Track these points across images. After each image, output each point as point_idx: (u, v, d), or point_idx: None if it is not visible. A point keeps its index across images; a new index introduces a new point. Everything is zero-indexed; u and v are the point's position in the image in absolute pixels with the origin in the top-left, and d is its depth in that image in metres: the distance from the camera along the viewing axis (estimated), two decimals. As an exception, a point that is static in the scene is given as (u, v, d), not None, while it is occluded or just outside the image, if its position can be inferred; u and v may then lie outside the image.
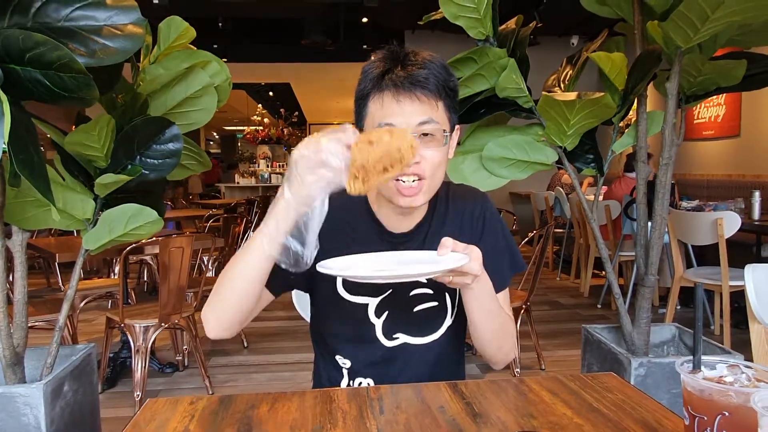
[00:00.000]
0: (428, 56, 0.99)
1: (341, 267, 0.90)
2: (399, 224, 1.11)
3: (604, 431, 0.83)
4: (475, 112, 1.84)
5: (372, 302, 1.10)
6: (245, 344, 3.80)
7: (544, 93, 1.69)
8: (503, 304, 1.18)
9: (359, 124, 1.02)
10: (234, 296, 0.98)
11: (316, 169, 0.80)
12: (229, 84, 1.85)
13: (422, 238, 1.11)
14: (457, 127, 1.06)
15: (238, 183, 11.93)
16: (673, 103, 1.64)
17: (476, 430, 0.83)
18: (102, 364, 3.13)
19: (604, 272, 5.71)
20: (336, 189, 0.82)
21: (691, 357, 0.65)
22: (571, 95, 1.57)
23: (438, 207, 1.14)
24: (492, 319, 1.06)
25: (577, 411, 0.91)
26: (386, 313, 1.11)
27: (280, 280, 1.03)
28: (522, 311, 3.15)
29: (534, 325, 3.34)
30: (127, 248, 2.83)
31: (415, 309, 1.12)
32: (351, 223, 1.11)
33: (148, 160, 1.67)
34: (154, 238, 2.89)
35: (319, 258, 1.08)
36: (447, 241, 0.91)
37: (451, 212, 1.14)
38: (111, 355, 3.29)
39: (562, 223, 6.09)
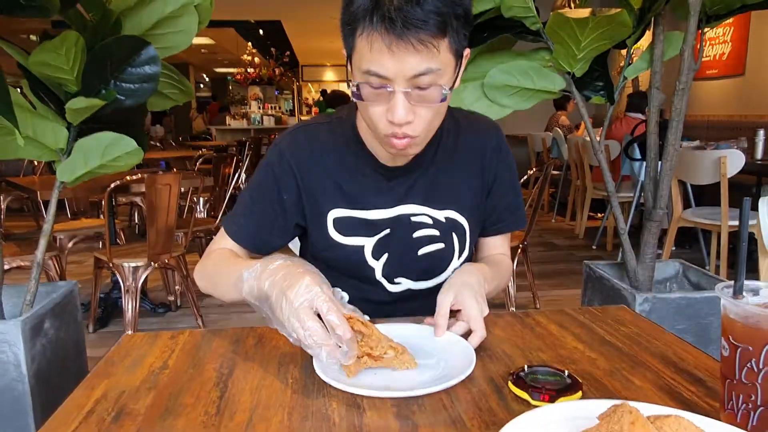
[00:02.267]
0: None
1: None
2: (394, 157, 0.98)
3: (620, 365, 0.77)
4: (477, 36, 1.70)
5: (368, 243, 1.00)
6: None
7: (553, 12, 1.55)
8: (505, 244, 1.13)
9: (346, 49, 0.84)
10: (227, 295, 0.93)
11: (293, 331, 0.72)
12: (211, 3, 1.69)
13: (420, 172, 1.00)
14: (466, 52, 0.86)
15: (229, 125, 11.66)
16: (695, 22, 1.50)
17: (481, 365, 0.77)
18: (92, 304, 3.08)
19: (599, 214, 5.67)
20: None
21: (731, 282, 0.57)
22: (584, 12, 1.44)
23: (444, 138, 1.01)
24: (495, 290, 1.03)
25: (588, 344, 0.84)
26: (386, 255, 1.01)
27: (266, 248, 1.02)
28: (519, 251, 3.10)
29: (531, 266, 3.30)
30: (112, 185, 2.72)
31: (420, 252, 1.02)
32: (339, 157, 0.99)
33: (123, 84, 1.54)
34: (140, 176, 2.78)
35: (309, 202, 0.99)
36: (440, 322, 0.82)
37: (461, 145, 1.03)
38: (102, 295, 3.24)
39: (558, 165, 6.00)
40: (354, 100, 0.87)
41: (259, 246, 1.01)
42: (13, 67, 1.57)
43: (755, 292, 0.57)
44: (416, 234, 1.01)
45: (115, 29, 1.57)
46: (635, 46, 1.67)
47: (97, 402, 0.69)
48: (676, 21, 1.65)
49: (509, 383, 0.69)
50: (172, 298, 3.43)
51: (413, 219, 1.00)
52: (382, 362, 0.74)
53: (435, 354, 0.79)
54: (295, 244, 1.24)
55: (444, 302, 0.83)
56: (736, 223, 3.41)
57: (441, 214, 1.01)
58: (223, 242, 1.02)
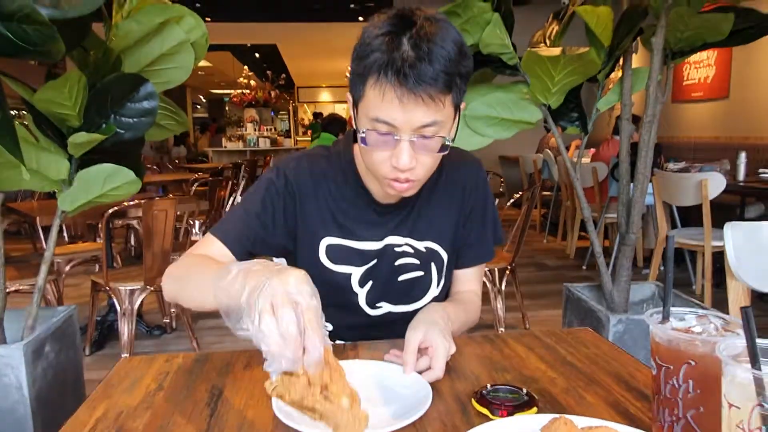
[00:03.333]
0: (442, 37, 0.83)
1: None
2: (385, 195, 1.04)
3: (577, 383, 0.84)
4: (459, 70, 1.80)
5: (356, 272, 1.07)
6: (233, 307, 3.81)
7: (528, 49, 1.66)
8: (476, 280, 1.17)
9: (355, 93, 0.90)
10: (191, 302, 0.90)
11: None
12: (206, 40, 1.79)
13: (410, 208, 1.07)
14: (462, 105, 0.93)
15: (225, 147, 11.79)
16: (659, 59, 1.61)
17: (450, 384, 0.84)
18: (89, 327, 3.13)
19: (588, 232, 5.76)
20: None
21: (660, 309, 0.65)
22: (556, 50, 1.53)
23: (431, 176, 1.08)
24: (460, 329, 1.08)
25: (551, 365, 0.91)
26: (370, 282, 1.08)
27: (246, 254, 1.00)
28: (507, 272, 3.18)
29: (519, 286, 3.37)
30: (110, 211, 2.79)
31: (400, 278, 1.09)
32: (337, 189, 1.06)
33: (123, 118, 1.62)
34: (137, 201, 2.86)
35: (303, 227, 1.05)
36: (408, 359, 0.83)
37: (442, 181, 1.10)
38: (98, 318, 3.29)
39: (549, 186, 6.10)
40: (361, 145, 0.92)
41: (240, 253, 1.00)
42: (10, 90, 1.65)
43: (681, 318, 0.65)
44: (398, 262, 1.08)
45: (116, 67, 1.66)
46: (609, 77, 1.77)
47: (98, 421, 0.76)
48: (648, 54, 1.75)
49: (473, 401, 0.77)
50: (167, 321, 3.48)
51: (396, 249, 1.08)
52: (330, 407, 0.62)
53: (394, 390, 0.82)
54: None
55: (412, 339, 0.86)
56: (720, 243, 3.51)
57: (422, 245, 1.09)
58: (203, 249, 1.00)
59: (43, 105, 1.53)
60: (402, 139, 0.86)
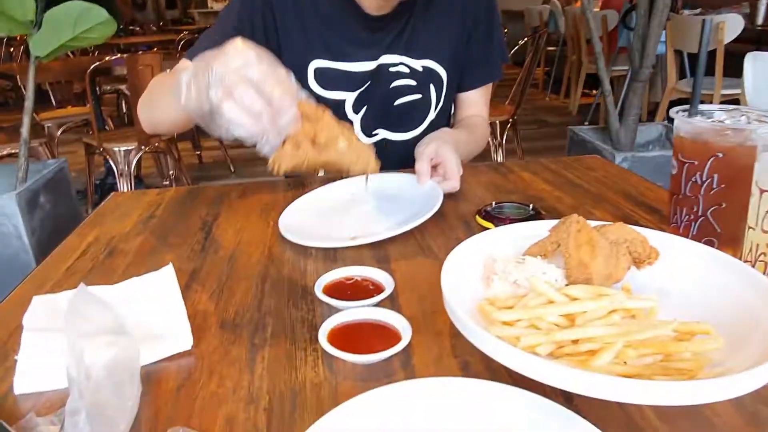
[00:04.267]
0: None
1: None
2: (378, 4, 0.94)
3: (584, 201, 0.81)
4: None
5: (349, 97, 1.00)
6: (232, 169, 3.79)
7: None
8: (483, 102, 1.10)
9: None
10: (166, 121, 0.85)
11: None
12: None
13: (403, 21, 0.97)
14: None
15: (211, 8, 11.11)
16: None
17: (454, 205, 0.81)
18: (88, 188, 3.12)
19: (594, 91, 5.57)
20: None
21: (687, 106, 0.59)
22: None
23: None
24: (469, 154, 1.03)
25: (557, 186, 0.88)
26: (365, 108, 1.01)
27: None
28: (508, 126, 3.10)
29: (521, 143, 3.31)
30: (92, 66, 2.65)
31: (396, 102, 1.02)
32: (322, 2, 0.95)
33: (86, -54, 1.45)
34: (120, 56, 2.70)
35: (288, 48, 0.95)
36: (423, 168, 0.80)
37: None
38: (97, 182, 3.28)
39: (555, 39, 5.79)
40: None
41: None
42: None
43: (709, 115, 0.59)
44: (393, 84, 1.00)
45: None
46: None
47: (89, 245, 0.73)
48: None
49: (476, 217, 0.74)
50: (167, 183, 3.47)
51: (391, 69, 0.99)
52: (329, 155, 0.61)
53: (405, 197, 0.81)
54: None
55: (425, 151, 0.83)
56: (729, 91, 3.39)
57: (419, 64, 1.00)
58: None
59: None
60: None
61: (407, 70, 0.99)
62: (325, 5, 0.95)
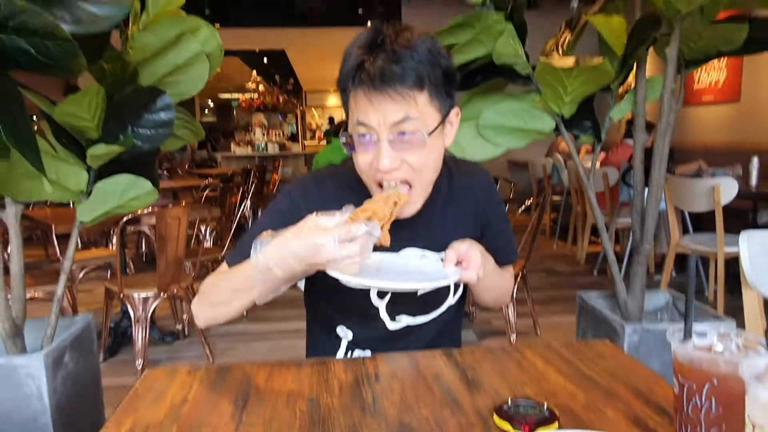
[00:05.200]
0: (410, 41, 0.89)
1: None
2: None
3: (596, 398, 0.85)
4: (471, 79, 1.81)
5: None
6: (245, 313, 3.83)
7: (540, 59, 1.66)
8: (506, 268, 1.20)
9: (345, 106, 0.98)
10: (227, 311, 0.99)
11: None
12: (221, 51, 1.81)
13: (420, 218, 1.06)
14: (455, 110, 0.99)
15: (234, 152, 11.84)
16: (673, 69, 1.61)
17: (470, 398, 0.85)
18: (103, 334, 3.16)
19: (600, 239, 5.73)
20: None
21: (682, 326, 0.66)
22: (569, 61, 1.54)
23: (440, 186, 1.09)
24: (495, 289, 1.12)
25: (569, 378, 0.92)
26: (389, 295, 1.10)
27: None
28: (518, 278, 3.17)
29: (530, 292, 3.37)
30: (124, 219, 2.82)
31: (418, 291, 1.09)
32: (346, 203, 1.07)
33: (140, 130, 1.64)
34: (151, 209, 2.89)
35: None
36: (451, 255, 0.94)
37: (455, 191, 1.11)
38: (112, 325, 3.32)
39: (559, 190, 6.09)
40: (350, 152, 0.98)
41: None
42: (28, 100, 1.68)
43: (702, 335, 0.65)
44: None
45: (133, 79, 1.69)
46: (623, 86, 1.77)
47: (125, 435, 0.77)
48: (661, 61, 1.76)
49: (494, 415, 0.77)
50: (179, 327, 3.51)
51: None
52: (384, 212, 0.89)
53: (428, 272, 0.97)
54: (300, 281, 1.33)
55: (458, 245, 0.95)
56: (733, 249, 3.49)
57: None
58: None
59: (63, 118, 1.55)
60: (381, 139, 0.91)
61: None
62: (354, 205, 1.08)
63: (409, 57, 0.88)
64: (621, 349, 1.05)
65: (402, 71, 0.87)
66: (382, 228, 0.86)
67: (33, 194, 1.60)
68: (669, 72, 1.61)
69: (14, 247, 1.60)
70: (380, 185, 0.96)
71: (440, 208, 1.10)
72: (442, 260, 0.97)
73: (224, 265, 1.06)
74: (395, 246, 1.07)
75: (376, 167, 0.93)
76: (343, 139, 0.95)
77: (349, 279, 0.86)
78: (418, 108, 0.90)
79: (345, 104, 0.97)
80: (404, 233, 1.08)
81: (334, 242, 0.80)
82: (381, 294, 1.09)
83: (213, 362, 3.04)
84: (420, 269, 1.00)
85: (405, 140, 0.91)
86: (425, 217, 1.08)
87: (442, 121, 0.96)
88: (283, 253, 0.84)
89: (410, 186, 0.97)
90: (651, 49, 1.76)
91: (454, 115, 1.00)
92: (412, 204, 0.98)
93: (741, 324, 1.51)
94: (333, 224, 0.81)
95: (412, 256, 1.07)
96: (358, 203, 1.07)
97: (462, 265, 0.94)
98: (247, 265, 0.89)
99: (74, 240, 1.69)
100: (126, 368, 3.03)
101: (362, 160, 0.95)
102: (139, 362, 2.80)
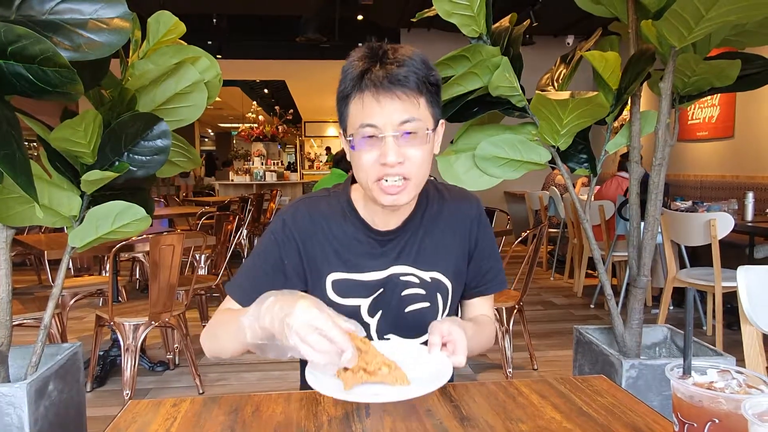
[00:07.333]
0: (408, 52, 0.97)
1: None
2: (386, 222, 1.10)
3: (594, 436, 0.82)
4: (467, 111, 1.82)
5: (364, 303, 1.09)
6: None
7: (537, 92, 1.68)
8: (488, 305, 1.21)
9: (342, 123, 1.01)
10: (229, 347, 1.02)
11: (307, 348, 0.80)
12: (220, 80, 1.83)
13: (409, 236, 1.10)
14: (441, 121, 1.05)
15: (232, 180, 11.88)
16: (667, 103, 1.63)
17: (463, 434, 0.82)
18: (91, 362, 3.10)
19: (597, 272, 5.71)
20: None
21: (681, 362, 0.64)
22: (564, 94, 1.55)
23: (429, 205, 1.13)
24: (478, 348, 1.10)
25: (566, 415, 0.89)
26: (380, 312, 1.11)
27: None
28: (515, 311, 3.14)
29: (527, 325, 3.33)
30: (117, 246, 2.80)
31: (407, 309, 1.11)
32: (337, 227, 1.10)
33: (136, 156, 1.64)
34: (145, 236, 2.87)
35: (309, 267, 1.08)
36: (436, 339, 0.92)
37: (445, 212, 1.14)
38: (101, 353, 3.26)
39: (556, 222, 6.10)
40: (351, 152, 1.00)
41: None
42: (24, 124, 1.67)
43: (702, 372, 0.63)
44: (404, 293, 1.10)
45: (130, 105, 1.69)
46: (618, 120, 1.79)
47: (104, 469, 0.74)
48: (656, 96, 1.77)
49: (488, 454, 0.75)
50: (170, 356, 3.44)
51: (402, 278, 1.10)
52: (376, 377, 0.83)
53: (417, 364, 0.91)
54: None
55: (438, 326, 0.93)
56: (730, 283, 3.47)
57: (427, 275, 1.11)
58: (227, 306, 1.10)
59: (59, 143, 1.55)
60: (386, 136, 0.95)
61: (417, 280, 1.10)
62: (339, 227, 1.10)
63: (411, 63, 0.95)
64: (619, 385, 1.03)
65: (407, 74, 0.94)
66: (359, 368, 0.83)
67: (24, 219, 1.59)
68: (663, 107, 1.63)
69: (2, 272, 1.57)
70: (380, 182, 0.98)
71: (430, 227, 1.12)
72: (424, 343, 0.97)
73: (229, 300, 1.10)
74: (383, 263, 1.08)
75: (381, 161, 0.96)
76: (348, 139, 0.98)
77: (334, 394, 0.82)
78: (420, 110, 0.97)
79: (344, 117, 0.99)
80: (394, 252, 1.08)
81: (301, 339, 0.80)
82: (371, 312, 1.10)
83: (202, 393, 2.98)
84: (407, 363, 0.92)
85: (409, 138, 0.96)
86: (414, 236, 1.10)
87: (435, 127, 1.02)
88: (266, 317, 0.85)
89: (406, 179, 0.99)
90: (645, 85, 1.78)
91: (441, 125, 1.06)
92: (403, 195, 0.99)
93: (740, 359, 1.48)
94: (324, 317, 0.80)
95: (395, 345, 1.04)
96: (348, 222, 1.10)
97: (447, 349, 0.92)
98: (236, 327, 0.91)
99: (65, 266, 1.66)
100: (113, 398, 2.96)
101: (366, 158, 0.97)
102: (127, 392, 2.73)
